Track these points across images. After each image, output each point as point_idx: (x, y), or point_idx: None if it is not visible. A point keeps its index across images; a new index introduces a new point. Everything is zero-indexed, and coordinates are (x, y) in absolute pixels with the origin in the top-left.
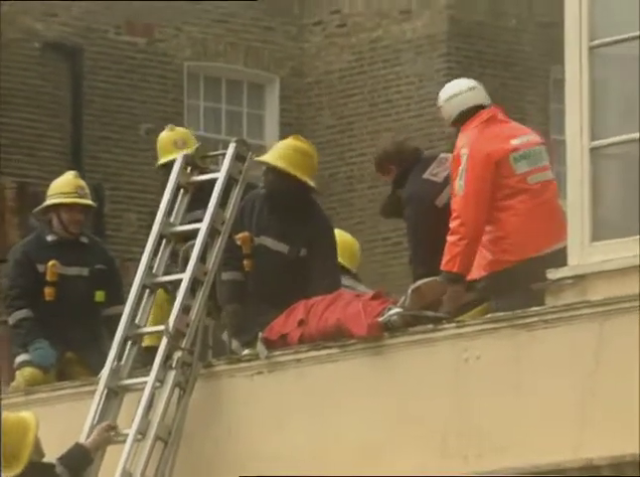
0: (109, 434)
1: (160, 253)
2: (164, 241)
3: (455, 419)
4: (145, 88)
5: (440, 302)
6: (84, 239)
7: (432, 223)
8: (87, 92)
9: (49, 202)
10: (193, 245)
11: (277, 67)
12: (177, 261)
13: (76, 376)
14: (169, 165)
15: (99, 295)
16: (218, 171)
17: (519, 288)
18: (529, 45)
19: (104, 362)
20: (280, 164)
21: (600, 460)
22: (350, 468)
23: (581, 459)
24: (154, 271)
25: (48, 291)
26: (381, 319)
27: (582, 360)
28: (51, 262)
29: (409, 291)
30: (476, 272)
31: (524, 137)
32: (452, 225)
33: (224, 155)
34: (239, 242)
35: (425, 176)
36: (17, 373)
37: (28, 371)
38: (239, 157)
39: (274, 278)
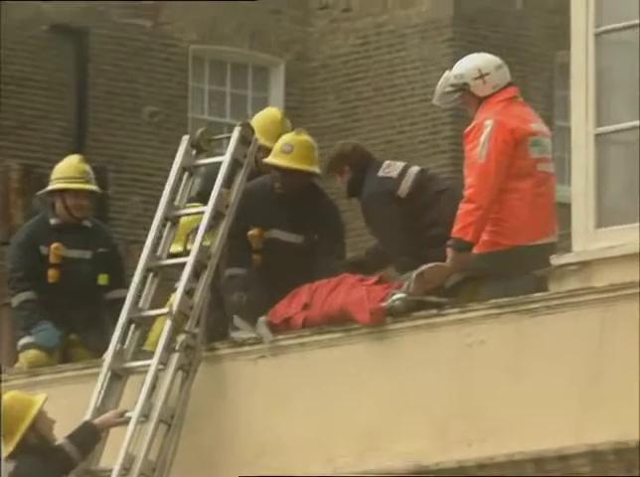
0: (121, 420)
1: (164, 236)
2: (169, 224)
3: (458, 404)
4: (150, 71)
5: (443, 287)
6: (87, 223)
7: (400, 212)
8: (92, 75)
9: (54, 186)
10: (197, 229)
11: (282, 50)
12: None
13: (78, 357)
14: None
15: (103, 278)
16: (222, 154)
17: (504, 273)
18: (534, 30)
19: (106, 344)
20: (296, 165)
21: (603, 445)
22: (352, 452)
23: (584, 444)
24: (158, 254)
25: (51, 273)
26: (384, 304)
27: (586, 346)
28: (54, 245)
29: (413, 276)
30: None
31: (540, 124)
32: (467, 192)
33: (229, 138)
34: (251, 239)
35: (381, 174)
36: (20, 355)
37: (31, 353)
38: (243, 141)
39: (287, 269)
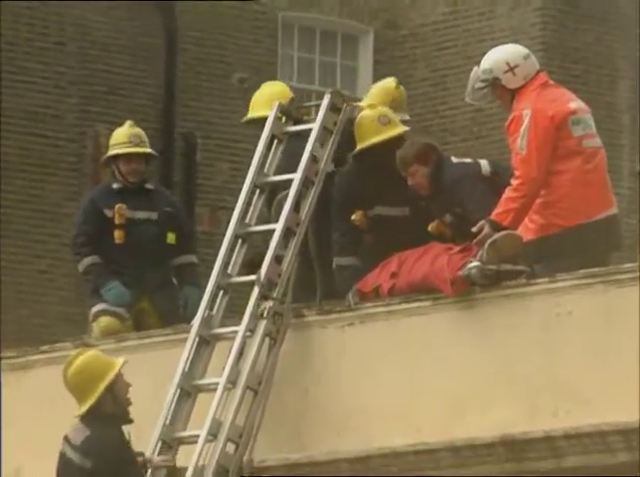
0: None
1: (253, 203)
2: (257, 191)
3: (545, 375)
4: (239, 38)
5: (519, 256)
6: (150, 186)
7: (488, 189)
8: (181, 41)
9: (107, 154)
10: (287, 196)
11: (372, 18)
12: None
13: (150, 328)
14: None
15: (171, 237)
16: (312, 122)
17: (568, 253)
18: None
19: (175, 307)
20: (397, 131)
21: None
22: (438, 421)
23: None
24: (247, 221)
25: (118, 234)
26: (461, 273)
27: None
28: (118, 205)
29: (486, 245)
30: (524, 236)
31: (578, 102)
32: (514, 182)
33: (318, 106)
34: (356, 223)
35: (455, 161)
36: (93, 324)
37: (104, 321)
38: (333, 108)
39: (400, 244)
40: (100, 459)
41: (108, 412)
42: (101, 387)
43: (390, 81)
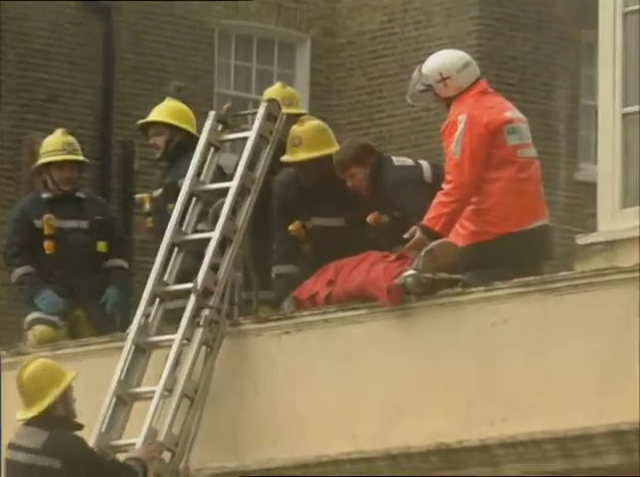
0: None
1: (190, 211)
2: (194, 200)
3: (481, 383)
4: (176, 46)
5: (454, 264)
6: (81, 194)
7: (428, 195)
8: (119, 49)
9: (39, 162)
10: (223, 204)
11: (309, 26)
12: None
13: (84, 336)
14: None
15: (102, 246)
16: (248, 130)
17: (500, 262)
18: (561, 8)
19: (107, 315)
20: (309, 155)
21: (626, 425)
22: (374, 429)
23: (607, 425)
24: (184, 229)
25: (47, 245)
26: (397, 281)
27: (610, 326)
28: (46, 216)
29: (422, 253)
30: (455, 242)
31: (514, 111)
32: (445, 187)
33: (255, 114)
34: (293, 233)
35: (397, 164)
36: (28, 333)
37: (39, 329)
38: (270, 116)
39: (337, 254)
40: (70, 457)
41: (60, 417)
42: (56, 391)
43: (276, 84)
